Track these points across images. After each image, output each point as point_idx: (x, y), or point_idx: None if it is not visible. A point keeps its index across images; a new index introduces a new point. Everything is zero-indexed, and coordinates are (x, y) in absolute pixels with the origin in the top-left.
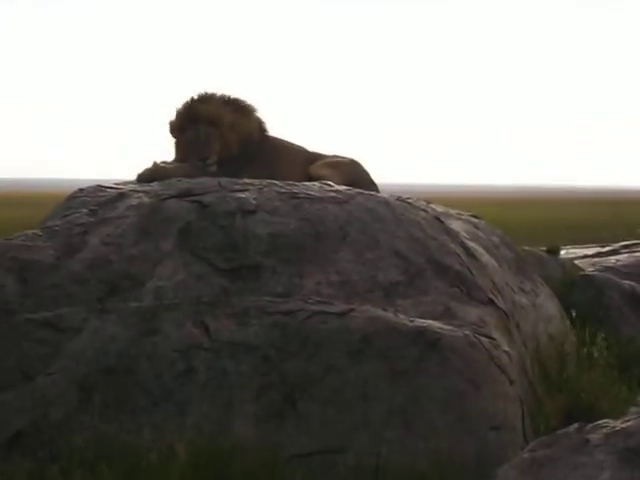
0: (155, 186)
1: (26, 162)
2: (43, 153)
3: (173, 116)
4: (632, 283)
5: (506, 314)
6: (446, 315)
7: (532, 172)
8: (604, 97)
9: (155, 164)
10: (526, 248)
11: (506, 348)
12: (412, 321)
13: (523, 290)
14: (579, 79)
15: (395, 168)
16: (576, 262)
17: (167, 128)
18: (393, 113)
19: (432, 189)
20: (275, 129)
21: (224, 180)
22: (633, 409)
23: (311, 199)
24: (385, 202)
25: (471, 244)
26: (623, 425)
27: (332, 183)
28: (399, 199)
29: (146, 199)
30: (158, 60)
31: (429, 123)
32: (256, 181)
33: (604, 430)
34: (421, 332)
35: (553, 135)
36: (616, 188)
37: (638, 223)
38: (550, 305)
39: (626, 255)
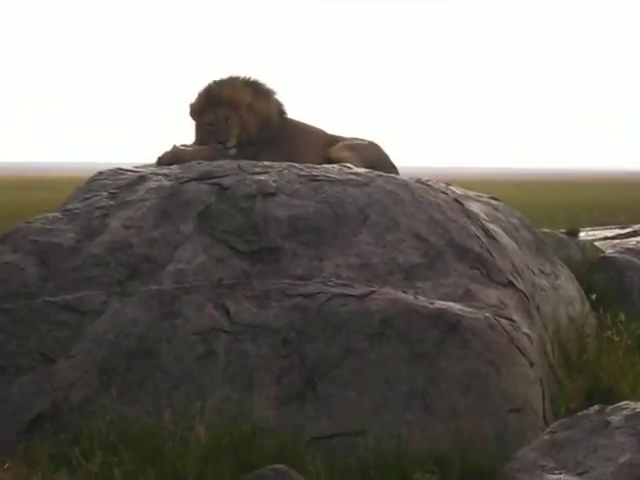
0: (175, 169)
1: (41, 145)
2: (59, 136)
3: (194, 98)
4: None
5: (526, 296)
6: (466, 297)
7: (550, 155)
8: (622, 77)
9: (175, 147)
10: (546, 230)
11: (526, 330)
12: (432, 303)
13: (543, 272)
14: (597, 60)
15: (413, 151)
16: (596, 244)
17: (188, 110)
18: (411, 96)
19: (451, 172)
20: (294, 112)
21: (244, 163)
22: None
23: (331, 182)
24: (405, 184)
25: (491, 226)
26: None
27: (352, 165)
28: (419, 181)
29: (166, 182)
30: (178, 45)
31: (448, 106)
32: (276, 164)
33: (624, 412)
34: (441, 314)
35: (569, 118)
36: (633, 170)
37: None
38: (570, 287)
39: None
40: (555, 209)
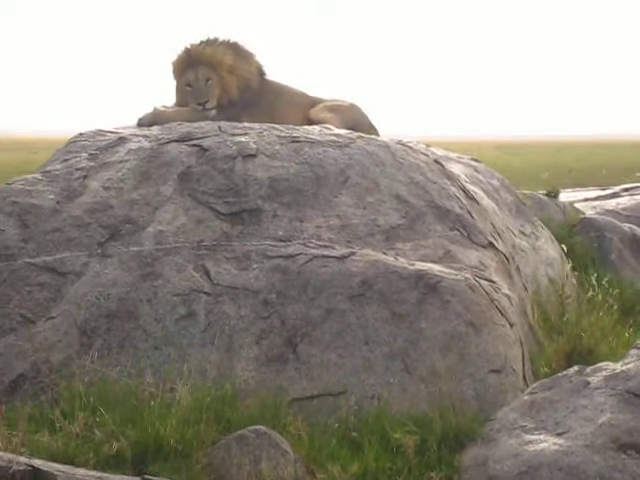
0: (155, 130)
1: (23, 109)
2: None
3: (175, 57)
4: (632, 226)
5: (506, 257)
6: (446, 258)
7: (531, 119)
8: (604, 41)
9: (155, 109)
10: (526, 192)
11: (506, 291)
12: (412, 264)
13: (523, 233)
14: (579, 25)
15: (394, 119)
16: (576, 205)
17: (170, 69)
18: (394, 61)
19: (433, 137)
20: (275, 74)
21: (224, 124)
22: (633, 352)
23: (311, 143)
24: (385, 146)
25: (471, 187)
26: (623, 368)
27: (332, 127)
28: (399, 143)
29: (146, 143)
30: (160, 7)
31: (430, 71)
32: (256, 125)
33: (604, 372)
34: (421, 276)
35: (548, 82)
36: (611, 134)
37: (637, 166)
38: (550, 248)
39: (627, 198)
40: (535, 170)
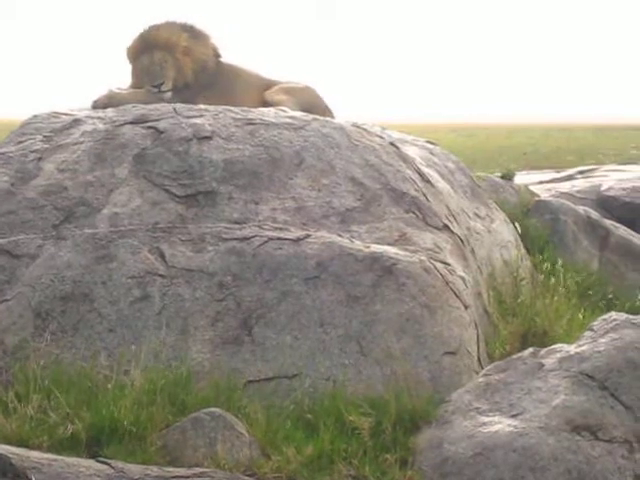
0: (110, 112)
1: None
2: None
3: (130, 42)
4: (587, 209)
5: (461, 240)
6: (402, 241)
7: (487, 101)
8: (555, 27)
9: (110, 90)
10: (481, 174)
11: (461, 273)
12: (368, 247)
13: (478, 216)
14: (533, 6)
15: (350, 102)
16: (531, 188)
17: (124, 54)
18: (349, 45)
19: (389, 120)
20: (231, 56)
21: (179, 106)
22: (587, 333)
23: (267, 125)
24: (340, 128)
25: (426, 170)
26: (577, 349)
27: (287, 109)
28: (354, 125)
29: (101, 125)
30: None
31: (385, 54)
32: (211, 107)
33: (558, 354)
34: (377, 258)
35: (504, 65)
36: (567, 117)
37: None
38: (505, 231)
39: (581, 181)
40: (493, 153)
